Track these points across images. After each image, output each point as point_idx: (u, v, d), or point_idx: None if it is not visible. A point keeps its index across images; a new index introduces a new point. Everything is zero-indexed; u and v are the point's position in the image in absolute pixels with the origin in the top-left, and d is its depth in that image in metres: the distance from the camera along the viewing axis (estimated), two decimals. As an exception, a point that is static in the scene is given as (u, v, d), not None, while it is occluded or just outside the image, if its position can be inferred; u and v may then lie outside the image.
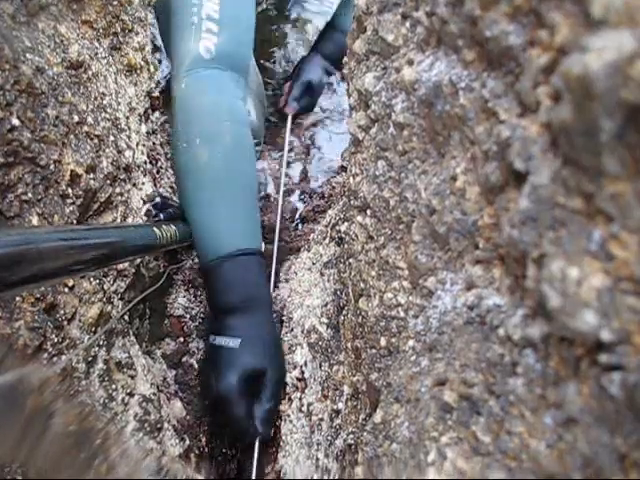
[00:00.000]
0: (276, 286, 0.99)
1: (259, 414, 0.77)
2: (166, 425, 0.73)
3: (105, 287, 0.66)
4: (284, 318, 0.90)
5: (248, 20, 0.95)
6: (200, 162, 0.85)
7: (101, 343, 0.64)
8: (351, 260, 0.54)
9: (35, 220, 0.52)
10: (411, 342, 0.40)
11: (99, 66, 0.70)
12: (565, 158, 0.24)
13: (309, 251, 0.96)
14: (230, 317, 0.83)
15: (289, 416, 0.77)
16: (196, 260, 1.02)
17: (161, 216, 0.83)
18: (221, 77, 0.90)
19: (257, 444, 0.77)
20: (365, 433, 0.44)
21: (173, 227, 0.77)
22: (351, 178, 0.53)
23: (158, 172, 1.00)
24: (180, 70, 0.89)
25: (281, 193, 1.10)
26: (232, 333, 0.81)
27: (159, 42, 1.01)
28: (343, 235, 0.59)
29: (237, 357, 0.79)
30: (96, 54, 0.70)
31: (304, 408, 0.73)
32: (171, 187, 1.04)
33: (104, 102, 0.69)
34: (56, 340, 0.53)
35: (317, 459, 0.64)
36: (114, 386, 0.64)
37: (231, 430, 0.81)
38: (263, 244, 0.91)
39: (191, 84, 0.88)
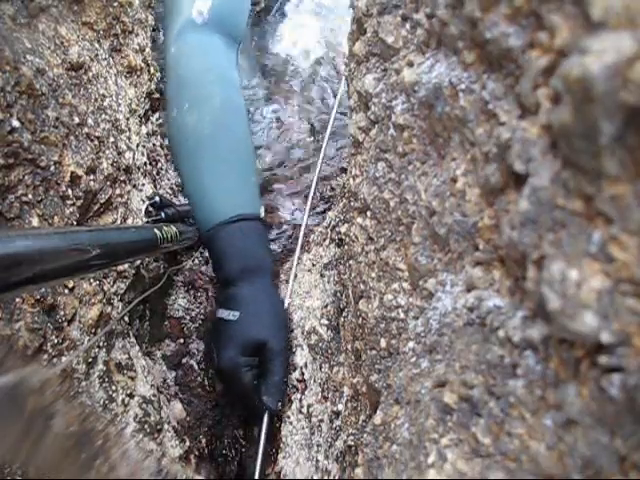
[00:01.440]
0: (276, 286, 0.99)
1: (266, 387, 0.74)
2: (166, 426, 0.73)
3: (105, 288, 0.66)
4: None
5: None
6: (188, 128, 0.82)
7: (101, 344, 0.64)
8: (351, 262, 0.54)
9: (35, 221, 0.52)
10: (411, 344, 0.40)
11: (99, 67, 0.70)
12: (565, 160, 0.24)
13: (309, 252, 0.96)
14: (230, 288, 0.80)
15: (289, 417, 0.77)
16: (196, 261, 1.02)
17: (162, 215, 0.82)
18: (211, 40, 0.86)
19: (266, 418, 0.74)
20: (365, 434, 0.44)
21: (174, 228, 0.77)
22: (351, 179, 0.53)
23: (158, 173, 1.00)
24: (171, 35, 0.86)
25: (308, 205, 0.96)
26: (231, 305, 0.78)
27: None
28: (343, 236, 0.59)
29: (236, 330, 0.76)
30: (96, 56, 0.70)
31: (304, 409, 0.73)
32: (171, 188, 1.04)
33: (104, 103, 0.69)
34: (56, 341, 0.53)
35: (317, 460, 0.64)
36: (114, 387, 0.64)
37: (241, 404, 0.78)
38: (263, 209, 0.87)
39: (180, 48, 0.85)
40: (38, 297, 0.52)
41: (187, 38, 0.85)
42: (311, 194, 0.93)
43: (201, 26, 0.85)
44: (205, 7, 0.84)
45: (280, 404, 0.75)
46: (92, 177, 0.63)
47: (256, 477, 0.72)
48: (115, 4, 0.75)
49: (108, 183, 0.67)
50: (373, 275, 0.48)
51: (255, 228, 0.83)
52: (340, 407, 0.61)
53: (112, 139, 0.69)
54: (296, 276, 0.91)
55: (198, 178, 0.82)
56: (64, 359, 0.54)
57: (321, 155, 0.93)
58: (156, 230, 0.69)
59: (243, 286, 0.79)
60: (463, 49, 0.33)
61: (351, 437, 0.54)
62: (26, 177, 0.52)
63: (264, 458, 0.74)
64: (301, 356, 0.79)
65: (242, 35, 0.93)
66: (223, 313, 0.78)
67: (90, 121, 0.64)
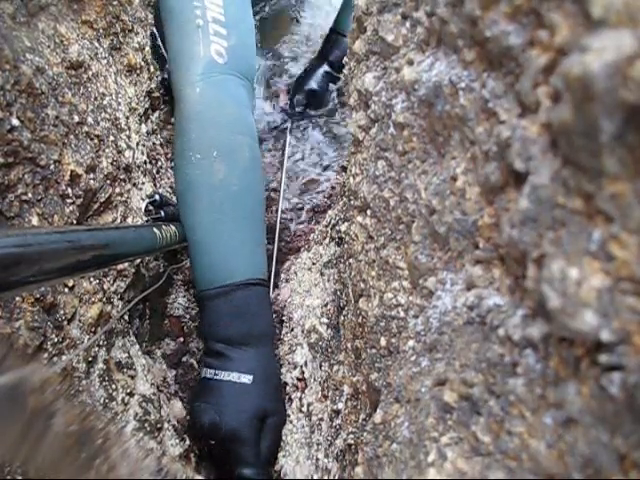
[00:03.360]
0: (276, 286, 0.99)
1: (262, 457, 0.73)
2: (166, 425, 0.73)
3: (105, 287, 0.66)
4: (284, 318, 0.90)
5: (250, 22, 0.93)
6: (216, 178, 0.79)
7: (101, 343, 0.64)
8: (351, 260, 0.54)
9: (35, 220, 0.52)
10: (411, 342, 0.40)
11: (99, 66, 0.70)
12: (565, 158, 0.24)
13: (309, 251, 0.96)
14: (233, 350, 0.77)
15: (289, 416, 0.77)
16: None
17: (162, 213, 0.82)
18: (236, 85, 0.85)
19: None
20: (365, 433, 0.44)
21: (173, 227, 0.77)
22: (351, 178, 0.53)
23: (158, 172, 1.00)
24: (191, 74, 0.83)
25: (281, 196, 1.10)
26: (241, 368, 0.76)
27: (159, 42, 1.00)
28: (343, 235, 0.59)
29: (250, 394, 0.74)
30: (96, 54, 0.70)
31: (304, 408, 0.73)
32: (171, 187, 1.04)
33: (104, 102, 0.69)
34: (56, 340, 0.53)
35: (317, 459, 0.64)
36: (114, 386, 0.64)
37: (239, 473, 0.73)
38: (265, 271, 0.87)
39: (207, 90, 0.82)
40: (38, 296, 0.52)
41: (212, 78, 0.83)
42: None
43: (223, 66, 0.84)
44: (222, 48, 0.84)
45: (268, 470, 0.74)
46: (92, 176, 0.63)
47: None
48: (115, 3, 0.75)
49: (108, 182, 0.67)
50: (373, 274, 0.48)
51: (265, 293, 0.82)
52: (340, 406, 0.61)
53: (112, 138, 0.69)
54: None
55: (216, 234, 0.79)
56: (64, 358, 0.54)
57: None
58: (156, 229, 0.69)
59: (250, 351, 0.77)
60: (463, 47, 0.33)
61: (351, 436, 0.54)
62: (26, 176, 0.52)
63: None
64: (301, 355, 0.79)
65: (254, 74, 0.94)
66: (230, 375, 0.76)
67: (90, 120, 0.64)
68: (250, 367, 0.76)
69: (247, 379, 0.75)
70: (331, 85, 1.29)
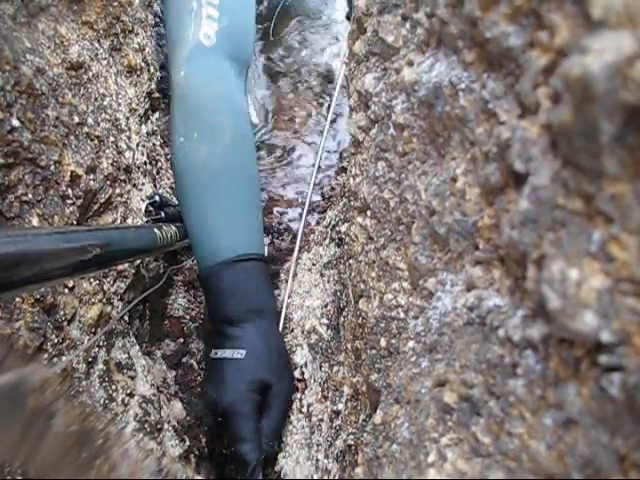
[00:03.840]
0: (276, 287, 0.99)
1: (265, 430, 0.71)
2: (166, 426, 0.73)
3: (105, 288, 0.66)
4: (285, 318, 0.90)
5: (248, 4, 0.91)
6: (198, 159, 0.79)
7: (101, 344, 0.64)
8: (351, 261, 0.54)
9: (35, 221, 0.52)
10: (411, 343, 0.40)
11: (99, 67, 0.70)
12: (565, 159, 0.24)
13: (309, 252, 0.96)
14: (233, 328, 0.77)
15: (289, 417, 0.77)
16: (196, 261, 1.02)
17: (162, 214, 0.82)
18: (222, 67, 0.84)
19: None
20: (365, 434, 0.44)
21: (173, 228, 0.77)
22: (351, 179, 0.53)
23: (158, 173, 1.00)
24: (179, 57, 0.84)
25: (306, 208, 1.01)
26: (236, 344, 0.75)
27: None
28: (343, 236, 0.59)
29: (243, 367, 0.73)
30: (96, 55, 0.70)
31: (304, 409, 0.73)
32: (171, 188, 1.04)
33: (104, 103, 0.69)
34: (56, 341, 0.54)
35: (317, 460, 0.64)
36: (114, 387, 0.64)
37: (235, 449, 0.71)
38: (266, 247, 0.85)
39: (191, 73, 0.82)
40: (38, 296, 0.52)
41: (198, 62, 0.83)
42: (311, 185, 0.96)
43: (210, 49, 0.83)
44: (212, 30, 0.83)
45: (274, 447, 0.72)
46: (92, 176, 0.63)
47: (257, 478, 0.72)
48: (115, 3, 0.75)
49: (108, 182, 0.67)
50: (373, 274, 0.48)
51: (260, 268, 0.81)
52: (340, 406, 0.61)
53: (112, 138, 0.69)
54: (296, 275, 0.92)
55: (203, 213, 0.79)
56: (64, 358, 0.54)
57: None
58: (156, 230, 0.69)
59: (248, 327, 0.77)
60: (463, 48, 0.33)
61: (351, 436, 0.54)
62: (26, 176, 0.52)
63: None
64: (301, 355, 0.79)
65: (250, 59, 0.92)
66: (225, 353, 0.75)
67: (90, 120, 0.64)
68: (243, 342, 0.76)
69: (240, 354, 0.74)
70: None
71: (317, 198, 1.17)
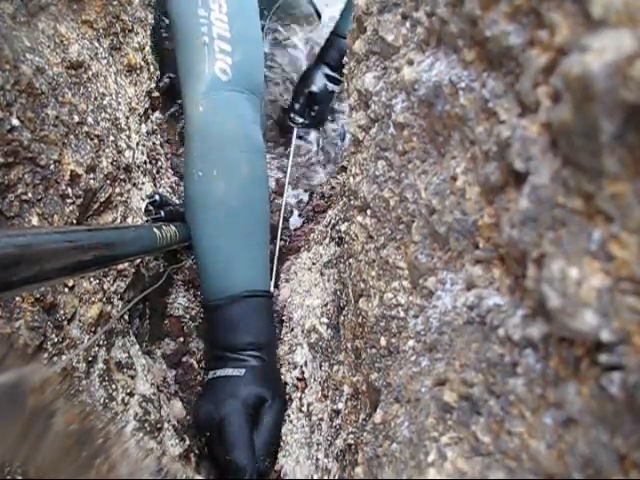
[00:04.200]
0: (276, 286, 0.99)
1: (257, 446, 0.73)
2: (166, 425, 0.73)
3: (105, 287, 0.66)
4: (284, 318, 0.90)
5: (257, 36, 0.93)
6: (216, 195, 0.81)
7: (101, 343, 0.64)
8: (351, 260, 0.54)
9: (35, 220, 0.52)
10: (411, 342, 0.40)
11: (99, 66, 0.70)
12: (565, 158, 0.24)
13: (309, 251, 0.96)
14: (234, 354, 0.80)
15: (289, 416, 0.77)
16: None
17: (162, 213, 0.82)
18: (240, 101, 0.86)
19: None
20: (365, 433, 0.44)
21: (173, 228, 0.77)
22: (351, 178, 0.53)
23: (158, 172, 1.00)
24: (196, 92, 0.85)
25: (284, 202, 1.09)
26: (236, 365, 0.79)
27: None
28: (343, 235, 0.59)
29: (241, 384, 0.76)
30: (96, 54, 0.70)
31: (304, 408, 0.73)
32: (171, 187, 1.04)
33: (104, 102, 0.69)
34: (56, 340, 0.54)
35: (317, 459, 0.64)
36: (114, 386, 0.64)
37: (230, 457, 0.72)
38: (272, 284, 0.90)
39: (209, 109, 0.84)
40: (38, 296, 0.52)
41: (216, 97, 0.84)
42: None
43: (227, 84, 0.84)
44: (227, 65, 0.84)
45: (266, 464, 0.73)
46: (92, 176, 0.63)
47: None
48: (115, 2, 0.75)
49: (108, 182, 0.67)
50: (373, 274, 0.48)
51: (266, 305, 0.84)
52: (340, 406, 0.61)
53: (112, 138, 0.69)
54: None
55: (216, 248, 0.82)
56: (64, 358, 0.54)
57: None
58: (156, 229, 0.69)
59: (249, 354, 0.80)
60: (463, 47, 0.33)
61: (351, 436, 0.54)
62: (26, 176, 0.52)
63: None
64: (301, 355, 0.79)
65: (263, 91, 0.94)
66: (225, 371, 0.79)
67: (90, 120, 0.64)
68: (243, 364, 0.79)
69: (239, 372, 0.78)
70: (331, 85, 1.27)
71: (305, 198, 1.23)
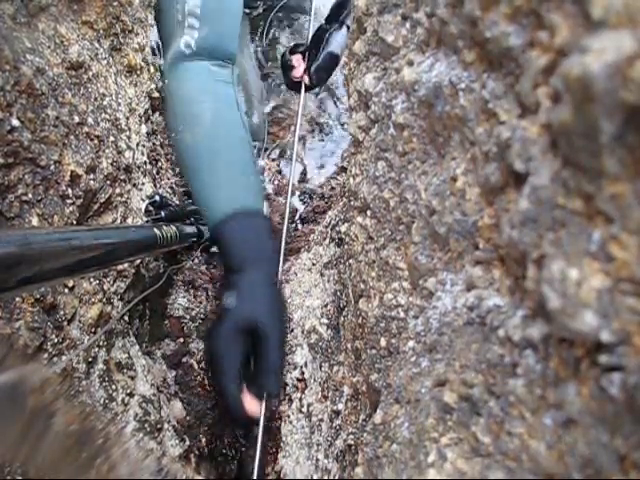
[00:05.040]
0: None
1: (261, 371, 0.76)
2: (166, 425, 0.73)
3: (105, 288, 0.66)
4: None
5: (232, 11, 0.97)
6: (185, 146, 0.90)
7: (101, 343, 0.64)
8: (351, 261, 0.54)
9: (35, 221, 0.52)
10: (411, 343, 0.40)
11: (99, 67, 0.70)
12: (565, 159, 0.24)
13: (309, 252, 0.96)
14: (232, 276, 0.85)
15: (289, 417, 0.77)
16: (196, 261, 1.02)
17: (162, 214, 0.83)
18: (201, 65, 0.92)
19: (263, 408, 0.74)
20: (365, 434, 0.44)
21: (173, 228, 0.76)
22: (351, 179, 0.53)
23: (158, 173, 1.00)
24: (165, 67, 0.93)
25: (290, 185, 1.04)
26: (231, 289, 0.82)
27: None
28: (343, 236, 0.59)
29: (232, 313, 0.79)
30: (96, 55, 0.70)
31: (304, 409, 0.73)
32: (171, 187, 1.04)
33: (104, 103, 0.69)
34: (56, 340, 0.53)
35: (317, 460, 0.64)
36: (114, 386, 0.64)
37: (218, 386, 0.77)
38: (265, 205, 0.94)
39: (172, 78, 0.92)
40: (38, 296, 0.52)
41: (178, 68, 0.92)
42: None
43: (190, 56, 0.91)
44: (192, 39, 0.90)
45: (279, 387, 0.77)
46: (92, 176, 0.63)
47: (254, 477, 0.72)
48: (115, 3, 0.75)
49: (108, 182, 0.67)
50: (373, 274, 0.48)
51: (254, 222, 0.88)
52: (340, 406, 0.61)
53: (112, 138, 0.69)
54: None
55: (201, 185, 0.89)
56: (64, 358, 0.54)
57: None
58: (156, 229, 0.69)
59: (242, 275, 0.84)
60: (463, 48, 0.33)
61: (351, 436, 0.54)
62: (26, 176, 0.52)
63: (262, 455, 0.73)
64: (301, 355, 0.79)
65: (234, 56, 0.98)
66: (226, 301, 0.82)
67: (90, 120, 0.64)
68: (236, 288, 0.82)
69: (232, 301, 0.81)
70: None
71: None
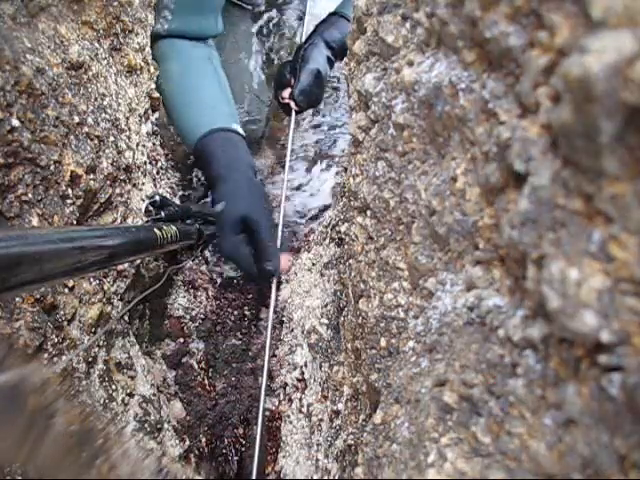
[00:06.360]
0: (276, 287, 0.99)
1: (260, 255, 0.89)
2: (166, 425, 0.73)
3: (105, 288, 0.66)
4: (284, 319, 0.90)
5: (203, 4, 1.04)
6: (165, 92, 0.99)
7: (101, 344, 0.64)
8: (351, 261, 0.54)
9: (35, 221, 0.52)
10: (411, 343, 0.40)
11: (99, 67, 0.70)
12: (565, 159, 0.24)
13: (309, 252, 0.96)
14: (216, 187, 0.95)
15: (289, 417, 0.77)
16: (196, 261, 1.03)
17: (162, 214, 0.82)
18: (176, 40, 1.02)
19: (273, 289, 0.90)
20: (365, 434, 0.44)
21: (173, 228, 0.76)
22: (351, 179, 0.53)
23: (158, 173, 1.00)
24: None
25: (284, 193, 1.07)
26: (218, 198, 0.93)
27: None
28: (343, 236, 0.59)
29: (224, 216, 0.90)
30: (96, 55, 0.70)
31: (304, 409, 0.73)
32: (171, 187, 1.04)
33: (104, 103, 0.69)
34: (56, 340, 0.54)
35: (317, 460, 0.64)
36: (114, 386, 0.64)
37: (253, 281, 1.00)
38: (238, 126, 1.01)
39: (155, 57, 0.97)
40: (38, 296, 0.52)
41: (157, 46, 1.00)
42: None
43: (163, 34, 1.00)
44: (166, 21, 0.99)
45: (277, 263, 0.89)
46: (92, 176, 0.63)
47: (253, 477, 0.72)
48: (115, 3, 0.75)
49: (108, 182, 0.67)
50: (373, 274, 0.48)
51: (230, 136, 0.98)
52: (340, 406, 0.61)
53: (112, 138, 0.69)
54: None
55: (177, 115, 1.02)
56: (64, 358, 0.54)
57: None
58: (156, 229, 0.69)
59: (223, 182, 0.94)
60: (463, 48, 0.33)
61: (351, 436, 0.54)
62: (26, 176, 0.52)
63: (261, 454, 0.74)
64: (301, 355, 0.79)
65: (210, 32, 1.07)
66: (217, 207, 0.92)
67: (90, 120, 0.64)
68: (223, 196, 0.93)
69: (222, 206, 0.92)
70: (329, 69, 1.16)
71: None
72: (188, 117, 1.01)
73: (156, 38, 1.00)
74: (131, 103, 0.81)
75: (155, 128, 0.99)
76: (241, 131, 1.02)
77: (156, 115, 0.99)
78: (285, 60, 1.25)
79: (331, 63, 1.17)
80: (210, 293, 1.03)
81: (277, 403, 0.80)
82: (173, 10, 1.01)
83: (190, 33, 1.04)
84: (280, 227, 1.02)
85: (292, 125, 1.12)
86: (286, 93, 1.11)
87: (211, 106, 1.02)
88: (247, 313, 1.03)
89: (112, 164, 0.68)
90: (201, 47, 1.07)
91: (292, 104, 1.10)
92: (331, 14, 1.19)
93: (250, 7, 1.35)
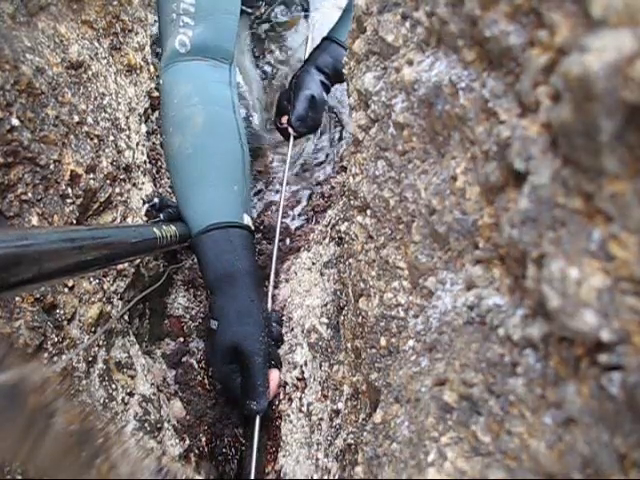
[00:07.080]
0: (276, 286, 0.99)
1: (247, 391, 0.77)
2: (166, 425, 0.73)
3: (105, 287, 0.66)
4: (284, 318, 0.90)
5: (228, 8, 0.94)
6: (173, 149, 0.87)
7: (101, 343, 0.64)
8: (351, 260, 0.54)
9: (35, 220, 0.52)
10: (411, 342, 0.40)
11: (99, 66, 0.70)
12: (565, 158, 0.24)
13: (309, 251, 0.96)
14: (213, 297, 0.83)
15: (289, 416, 0.77)
16: (196, 260, 1.02)
17: (161, 216, 0.83)
18: (197, 67, 0.90)
19: (257, 421, 0.77)
20: (365, 433, 0.44)
21: (173, 227, 0.77)
22: (351, 178, 0.53)
23: (158, 172, 1.00)
24: (161, 67, 0.91)
25: (280, 208, 1.06)
26: (213, 314, 0.82)
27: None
28: (343, 235, 0.59)
29: (216, 339, 0.79)
30: (96, 54, 0.70)
31: (304, 408, 0.73)
32: (171, 187, 1.04)
33: (104, 102, 0.69)
34: (56, 340, 0.54)
35: (317, 459, 0.64)
36: (114, 386, 0.64)
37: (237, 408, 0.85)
38: (248, 217, 0.89)
39: (167, 79, 0.90)
40: (38, 296, 0.52)
41: (172, 67, 0.90)
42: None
43: (184, 54, 0.89)
44: (187, 37, 0.89)
45: (265, 404, 0.77)
46: (92, 176, 0.63)
47: (252, 477, 0.72)
48: (115, 3, 0.75)
49: (108, 182, 0.67)
50: (373, 273, 0.48)
51: (229, 235, 0.84)
52: (340, 405, 0.61)
53: (112, 138, 0.69)
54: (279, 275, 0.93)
55: (183, 194, 0.86)
56: (64, 357, 0.54)
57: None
58: (155, 229, 0.69)
59: (218, 295, 0.82)
60: (463, 47, 0.33)
61: (351, 435, 0.54)
62: (26, 176, 0.52)
63: (259, 458, 0.74)
64: (301, 354, 0.79)
65: (231, 54, 0.96)
66: (212, 323, 0.81)
67: (90, 120, 0.64)
68: (217, 312, 0.81)
69: (214, 324, 0.80)
70: (324, 94, 1.18)
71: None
72: (191, 198, 0.86)
73: (173, 57, 0.89)
74: (131, 102, 0.81)
75: (155, 127, 0.99)
76: (248, 221, 0.88)
77: (156, 114, 0.99)
78: (284, 89, 1.23)
79: (326, 87, 1.18)
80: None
81: (277, 402, 0.80)
82: (194, 15, 0.89)
83: (216, 50, 0.93)
84: (274, 251, 0.98)
85: (290, 151, 1.14)
86: (284, 119, 1.13)
87: (220, 191, 0.87)
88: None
89: (112, 163, 0.68)
90: (226, 85, 0.94)
91: (290, 130, 1.12)
92: (324, 39, 1.21)
93: (250, 10, 1.35)
